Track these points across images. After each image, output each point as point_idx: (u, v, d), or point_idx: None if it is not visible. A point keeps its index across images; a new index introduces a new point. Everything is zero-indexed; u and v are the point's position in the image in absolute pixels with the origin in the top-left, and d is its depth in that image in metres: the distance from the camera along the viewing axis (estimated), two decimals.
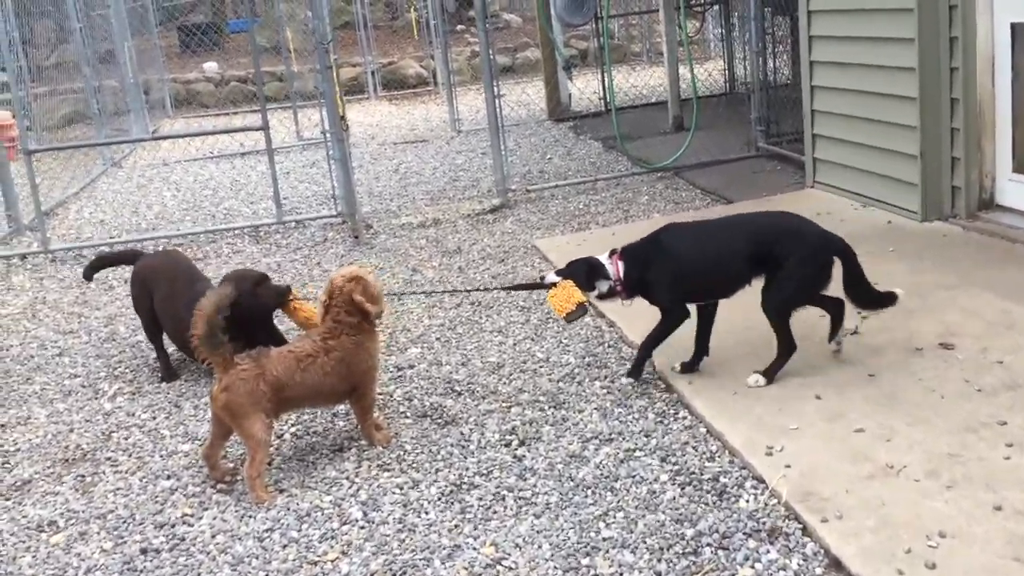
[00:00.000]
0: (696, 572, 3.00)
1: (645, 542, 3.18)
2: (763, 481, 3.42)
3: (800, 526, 3.15)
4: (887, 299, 4.18)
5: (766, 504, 3.30)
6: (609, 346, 4.85)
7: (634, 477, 3.58)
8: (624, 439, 3.88)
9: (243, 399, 3.69)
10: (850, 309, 4.20)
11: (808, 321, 4.29)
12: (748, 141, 8.87)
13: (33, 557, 3.47)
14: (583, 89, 12.58)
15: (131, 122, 13.51)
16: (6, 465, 4.23)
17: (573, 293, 4.14)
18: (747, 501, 3.33)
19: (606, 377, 4.47)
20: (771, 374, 4.10)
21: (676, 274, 4.14)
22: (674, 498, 3.41)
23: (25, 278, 7.23)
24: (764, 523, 3.19)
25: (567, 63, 10.95)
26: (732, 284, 4.13)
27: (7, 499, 3.92)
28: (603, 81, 11.71)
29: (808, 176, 7.35)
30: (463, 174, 9.61)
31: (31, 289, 6.91)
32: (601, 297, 4.28)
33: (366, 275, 3.97)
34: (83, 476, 4.06)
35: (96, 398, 4.86)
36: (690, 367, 4.31)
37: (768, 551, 3.05)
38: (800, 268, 4.01)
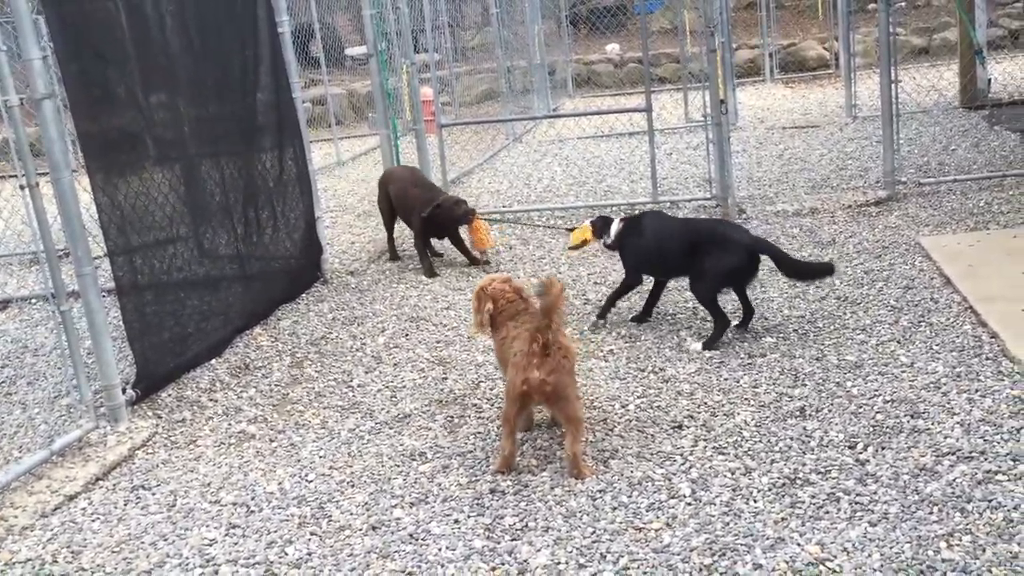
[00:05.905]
0: None
1: (991, 571, 2.92)
2: None
3: None
4: (822, 270, 5.12)
5: None
6: (987, 358, 4.43)
7: (990, 501, 3.28)
8: (986, 459, 3.55)
9: (568, 380, 3.79)
10: None
11: None
12: None
13: (403, 480, 3.98)
14: (1012, 73, 11.30)
15: (534, 100, 14.53)
16: (393, 399, 4.86)
17: (585, 234, 5.52)
18: None
19: (977, 391, 4.10)
20: (710, 344, 4.95)
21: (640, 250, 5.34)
22: None
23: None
24: None
25: (979, 47, 9.89)
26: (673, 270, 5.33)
27: (391, 428, 4.52)
28: None
29: None
30: (851, 163, 9.14)
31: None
32: (605, 247, 5.53)
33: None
34: (452, 417, 4.55)
35: (470, 351, 5.39)
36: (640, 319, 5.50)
37: None
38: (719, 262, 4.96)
